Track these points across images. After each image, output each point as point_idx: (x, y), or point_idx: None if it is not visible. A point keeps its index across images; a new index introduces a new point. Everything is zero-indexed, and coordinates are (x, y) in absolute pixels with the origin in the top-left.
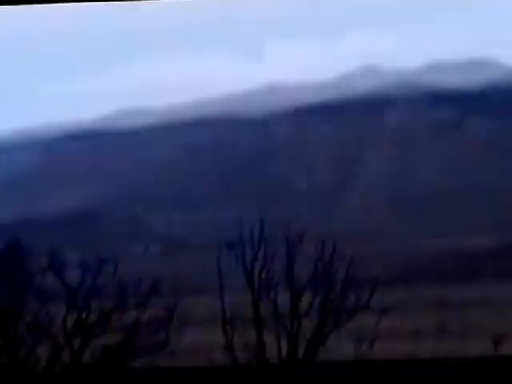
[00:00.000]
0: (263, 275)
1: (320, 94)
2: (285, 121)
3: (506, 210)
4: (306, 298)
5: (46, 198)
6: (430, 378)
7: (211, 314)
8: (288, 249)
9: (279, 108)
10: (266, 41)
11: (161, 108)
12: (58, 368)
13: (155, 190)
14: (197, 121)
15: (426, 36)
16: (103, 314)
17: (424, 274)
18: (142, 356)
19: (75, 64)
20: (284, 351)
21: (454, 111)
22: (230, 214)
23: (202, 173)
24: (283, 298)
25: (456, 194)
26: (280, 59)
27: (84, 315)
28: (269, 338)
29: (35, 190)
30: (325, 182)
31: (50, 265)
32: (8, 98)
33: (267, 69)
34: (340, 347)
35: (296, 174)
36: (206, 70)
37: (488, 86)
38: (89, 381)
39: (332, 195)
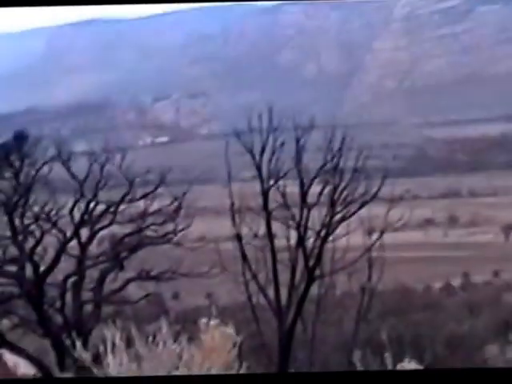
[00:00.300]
0: (272, 165)
1: None
2: (294, 9)
3: None
4: (315, 188)
5: (52, 88)
6: None
7: (219, 204)
8: (297, 138)
9: None
10: None
11: None
12: (65, 259)
13: (162, 78)
14: (205, 8)
15: None
16: (111, 204)
17: (434, 164)
18: (149, 246)
19: None
20: (292, 241)
21: None
22: (238, 103)
23: (210, 61)
24: (292, 188)
25: (467, 83)
26: None
27: (91, 206)
28: (277, 228)
29: (41, 79)
30: (334, 70)
31: (57, 155)
32: None
33: None
34: (349, 237)
35: (305, 62)
36: None
37: None
38: None
39: (341, 84)
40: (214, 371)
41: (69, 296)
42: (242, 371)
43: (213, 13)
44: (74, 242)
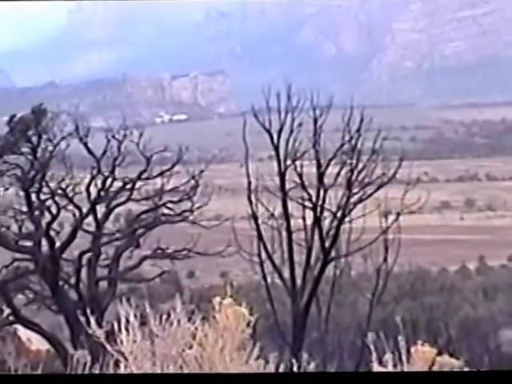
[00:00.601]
0: (289, 145)
1: None
2: None
3: None
4: (332, 169)
5: (71, 63)
6: None
7: (236, 183)
8: (315, 118)
9: None
10: None
11: None
12: (81, 236)
13: (181, 55)
14: None
15: None
16: (128, 181)
17: (452, 147)
18: (166, 224)
19: None
20: (309, 222)
21: None
22: (256, 81)
23: (229, 40)
24: (309, 169)
25: (486, 66)
26: None
27: (108, 183)
28: (294, 208)
29: (61, 54)
30: (353, 50)
31: (75, 130)
32: None
33: None
34: (365, 219)
35: (324, 41)
36: None
37: None
38: None
39: (360, 64)
40: (227, 350)
41: (84, 272)
42: (255, 351)
43: None
44: (90, 219)
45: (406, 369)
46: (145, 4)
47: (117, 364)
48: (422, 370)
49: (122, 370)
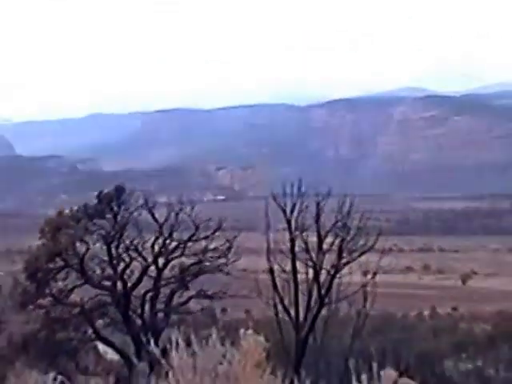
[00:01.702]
0: (299, 221)
1: (347, 91)
2: (321, 110)
3: (474, 183)
4: (328, 239)
5: (144, 156)
6: None
7: (259, 247)
8: (317, 202)
9: (317, 100)
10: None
11: (228, 93)
12: (146, 279)
13: (224, 153)
14: (258, 105)
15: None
16: (181, 242)
17: (415, 227)
18: (207, 273)
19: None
20: (310, 276)
21: (442, 110)
22: (276, 175)
23: (259, 144)
24: (312, 238)
25: (440, 170)
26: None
27: (167, 242)
28: (300, 266)
29: (137, 149)
30: (347, 156)
31: (145, 204)
32: (128, 86)
33: (309, 72)
34: (351, 276)
35: (326, 148)
36: (270, 71)
37: (467, 93)
38: None
39: (352, 166)
40: (248, 367)
41: (147, 306)
42: (268, 368)
43: (263, 109)
44: (153, 267)
45: None
46: (199, 116)
47: (167, 374)
48: None
49: (171, 379)
